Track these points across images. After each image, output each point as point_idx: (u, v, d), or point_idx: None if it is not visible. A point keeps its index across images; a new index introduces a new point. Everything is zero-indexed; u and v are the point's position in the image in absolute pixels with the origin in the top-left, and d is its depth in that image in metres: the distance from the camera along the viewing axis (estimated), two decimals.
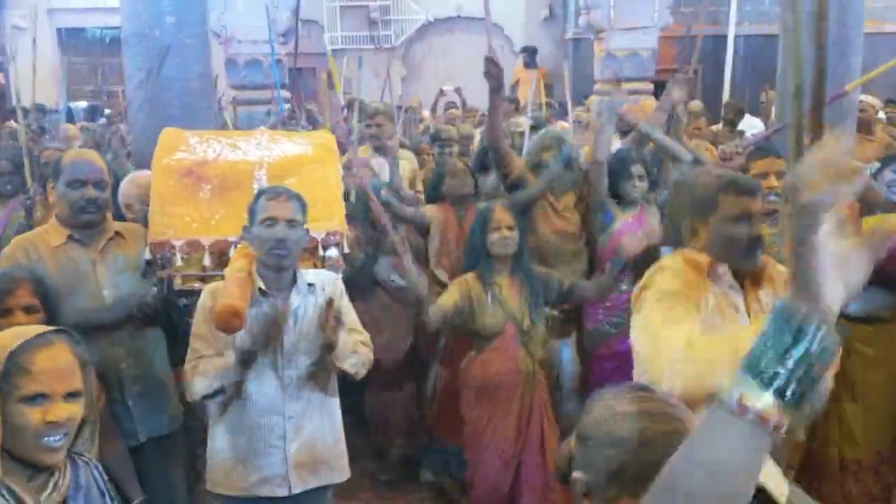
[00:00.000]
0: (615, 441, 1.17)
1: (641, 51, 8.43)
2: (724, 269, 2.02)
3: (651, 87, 8.22)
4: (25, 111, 5.67)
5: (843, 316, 2.27)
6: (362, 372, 2.53)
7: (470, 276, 3.18)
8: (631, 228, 3.51)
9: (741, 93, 9.56)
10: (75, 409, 1.52)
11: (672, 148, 3.85)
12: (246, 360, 2.33)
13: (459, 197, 3.97)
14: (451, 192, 3.97)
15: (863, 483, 3.04)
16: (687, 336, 1.66)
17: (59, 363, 1.51)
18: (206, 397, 2.39)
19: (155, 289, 2.68)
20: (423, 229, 4.02)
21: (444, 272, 3.88)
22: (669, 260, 2.08)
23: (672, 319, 1.77)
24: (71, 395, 1.51)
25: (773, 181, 3.03)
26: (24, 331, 1.55)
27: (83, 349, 1.59)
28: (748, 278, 2.06)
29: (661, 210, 3.64)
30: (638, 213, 3.64)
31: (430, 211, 4.02)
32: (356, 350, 2.49)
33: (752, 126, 6.98)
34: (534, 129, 4.80)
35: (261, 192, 2.48)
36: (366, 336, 2.60)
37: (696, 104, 8.21)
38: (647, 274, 2.04)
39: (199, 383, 2.36)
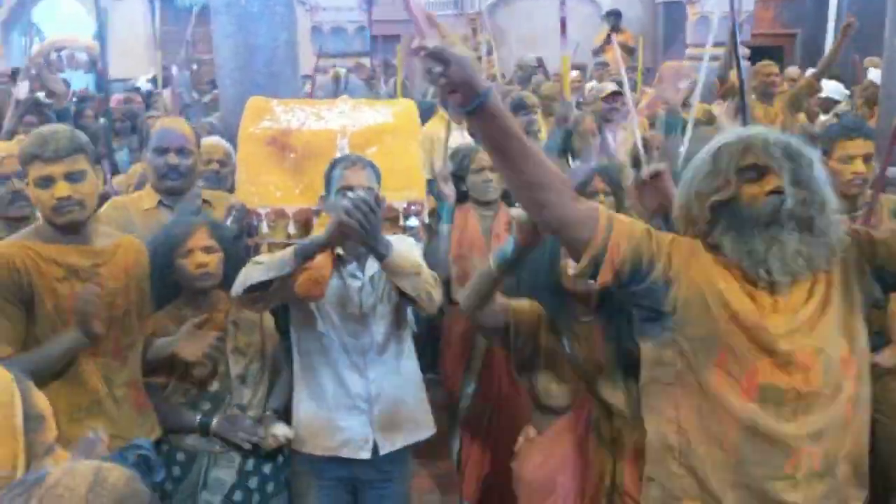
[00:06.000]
0: None
1: (737, 13, 8.04)
2: None
3: (748, 52, 7.82)
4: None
5: None
6: (429, 304, 2.34)
7: None
8: None
9: (843, 57, 8.95)
10: None
11: None
12: (304, 254, 2.23)
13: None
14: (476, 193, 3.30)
15: None
16: None
17: None
18: (249, 290, 2.25)
19: None
20: None
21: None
22: None
23: None
24: None
25: (860, 166, 2.71)
26: None
27: None
28: None
29: None
30: None
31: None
32: (419, 273, 2.32)
33: (835, 90, 6.49)
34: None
35: (336, 161, 2.48)
36: (437, 283, 2.41)
37: (794, 70, 7.77)
38: None
39: (253, 269, 2.26)
